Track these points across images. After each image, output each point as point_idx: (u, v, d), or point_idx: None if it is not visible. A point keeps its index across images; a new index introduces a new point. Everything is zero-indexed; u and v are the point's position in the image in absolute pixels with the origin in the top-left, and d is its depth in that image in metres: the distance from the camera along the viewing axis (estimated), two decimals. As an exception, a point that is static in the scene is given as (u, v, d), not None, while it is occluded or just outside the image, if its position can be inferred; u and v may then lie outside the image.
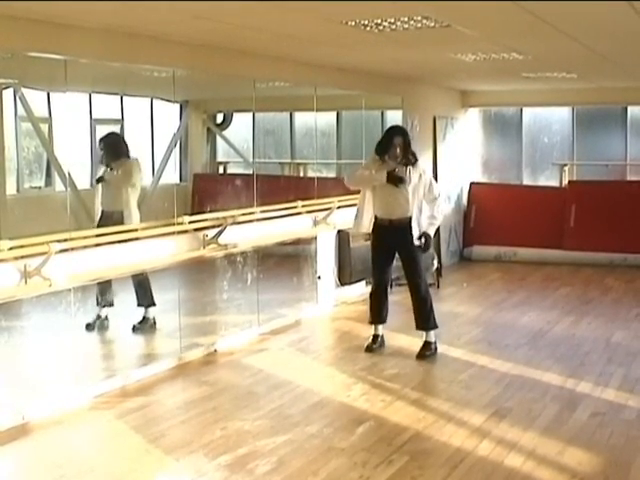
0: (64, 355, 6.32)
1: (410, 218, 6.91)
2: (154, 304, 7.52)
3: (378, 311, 7.21)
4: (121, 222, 6.97)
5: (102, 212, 7.32)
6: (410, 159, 6.93)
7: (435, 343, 7.07)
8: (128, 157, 7.55)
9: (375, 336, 7.22)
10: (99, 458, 4.92)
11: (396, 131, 7.07)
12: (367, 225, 7.08)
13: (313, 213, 8.63)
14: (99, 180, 7.45)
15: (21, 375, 6.05)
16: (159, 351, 6.91)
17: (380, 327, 7.24)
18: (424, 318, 7.05)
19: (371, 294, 7.28)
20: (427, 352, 6.98)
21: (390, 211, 6.96)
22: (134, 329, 7.51)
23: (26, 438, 5.15)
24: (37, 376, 6.03)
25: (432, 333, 7.06)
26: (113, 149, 7.47)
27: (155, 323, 7.56)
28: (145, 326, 7.51)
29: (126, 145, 7.72)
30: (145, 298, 7.47)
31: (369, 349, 7.14)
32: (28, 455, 5.00)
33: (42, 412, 5.44)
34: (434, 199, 6.99)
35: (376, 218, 7.03)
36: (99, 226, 6.99)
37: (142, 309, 7.51)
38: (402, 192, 6.87)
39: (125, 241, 6.27)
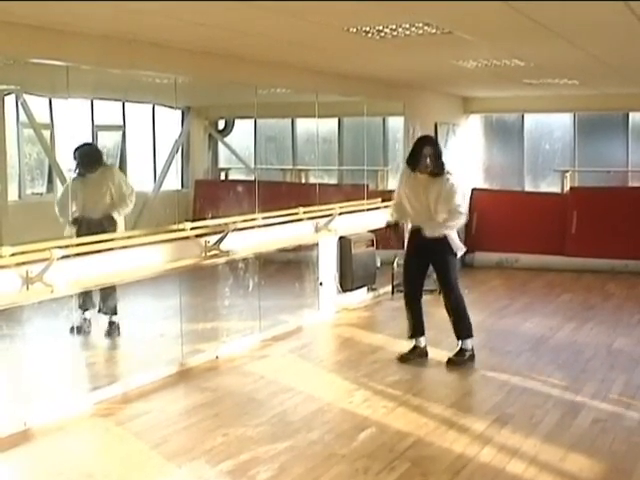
0: (65, 361, 6.33)
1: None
2: (116, 313, 7.56)
3: (417, 323, 7.07)
4: (101, 229, 7.02)
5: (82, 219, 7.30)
6: (439, 170, 6.86)
7: (472, 350, 6.98)
8: (103, 165, 7.63)
9: (415, 347, 7.08)
10: (100, 465, 4.92)
11: (426, 141, 6.98)
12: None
13: (315, 219, 8.62)
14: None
15: (23, 381, 6.05)
16: (161, 357, 6.90)
17: (422, 339, 7.10)
18: (456, 327, 6.98)
19: (406, 305, 7.13)
20: (460, 357, 6.91)
21: (415, 221, 6.94)
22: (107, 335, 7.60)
23: (27, 444, 5.14)
24: (39, 382, 6.04)
25: (468, 341, 6.98)
26: (88, 159, 7.44)
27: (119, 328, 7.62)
28: (114, 331, 7.58)
29: (100, 154, 7.77)
30: (111, 306, 7.51)
31: (403, 359, 6.98)
32: (29, 461, 4.99)
33: (43, 418, 5.43)
34: (449, 209, 6.82)
35: (413, 228, 7.00)
36: (79, 234, 6.94)
37: (107, 316, 7.57)
38: (422, 205, 6.85)
39: (126, 247, 6.26)
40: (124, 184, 7.61)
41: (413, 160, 6.91)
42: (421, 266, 7.06)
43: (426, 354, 7.10)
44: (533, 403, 5.91)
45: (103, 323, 7.57)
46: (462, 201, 7.01)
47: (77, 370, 6.21)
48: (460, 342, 6.99)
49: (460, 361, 6.91)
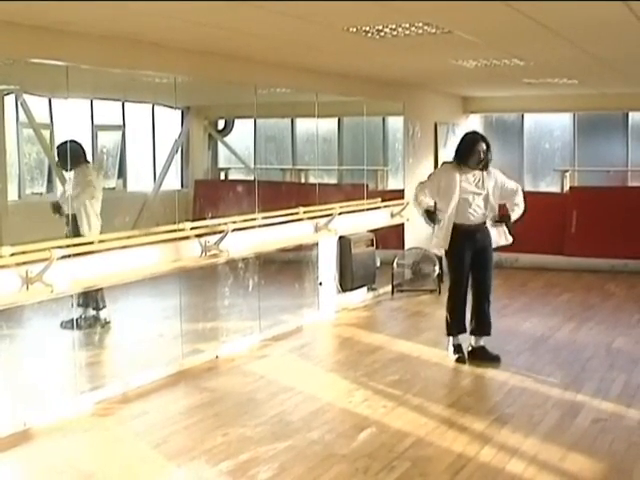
0: (64, 361, 6.33)
1: (485, 223, 6.97)
2: (101, 307, 7.58)
3: (459, 321, 7.08)
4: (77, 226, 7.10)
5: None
6: (486, 165, 6.95)
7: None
8: (86, 162, 7.64)
9: (458, 346, 7.06)
10: (100, 465, 4.91)
11: (479, 138, 7.01)
12: (444, 242, 7.03)
13: (314, 219, 8.62)
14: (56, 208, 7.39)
15: (22, 381, 6.05)
16: (160, 357, 6.90)
17: (460, 337, 7.10)
18: (487, 323, 7.02)
19: (450, 303, 7.10)
20: (488, 355, 6.96)
21: (468, 217, 6.91)
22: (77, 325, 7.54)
23: (27, 444, 5.14)
24: (39, 382, 6.04)
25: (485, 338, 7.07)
26: (70, 156, 7.41)
27: (108, 323, 7.66)
28: (85, 324, 7.53)
29: (84, 151, 7.76)
30: (91, 300, 7.49)
31: (461, 360, 6.96)
32: (29, 461, 4.99)
33: (43, 418, 5.43)
34: (513, 192, 7.11)
35: (455, 225, 6.94)
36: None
37: (82, 309, 7.49)
38: (476, 201, 6.89)
39: (126, 247, 6.25)
40: (93, 179, 7.71)
41: (467, 156, 6.91)
42: (468, 263, 7.01)
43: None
44: (533, 403, 5.92)
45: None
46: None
47: (77, 370, 6.20)
48: (481, 339, 7.04)
49: (491, 357, 6.97)
